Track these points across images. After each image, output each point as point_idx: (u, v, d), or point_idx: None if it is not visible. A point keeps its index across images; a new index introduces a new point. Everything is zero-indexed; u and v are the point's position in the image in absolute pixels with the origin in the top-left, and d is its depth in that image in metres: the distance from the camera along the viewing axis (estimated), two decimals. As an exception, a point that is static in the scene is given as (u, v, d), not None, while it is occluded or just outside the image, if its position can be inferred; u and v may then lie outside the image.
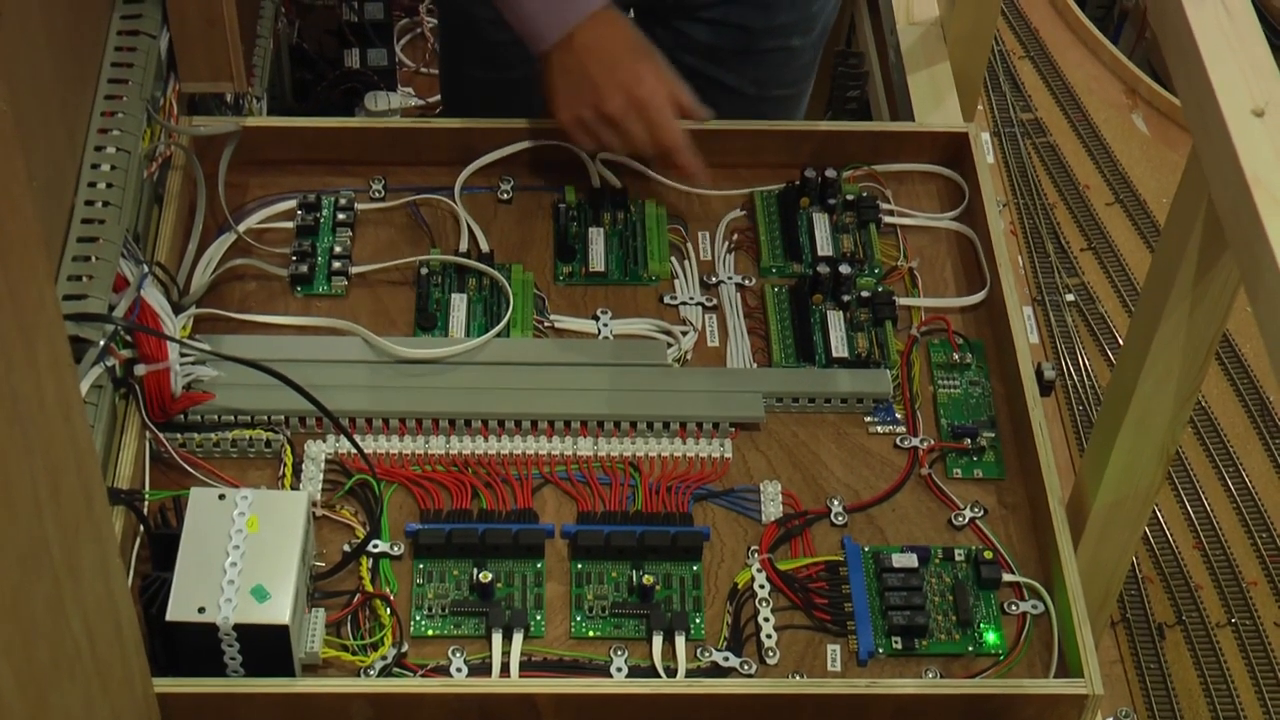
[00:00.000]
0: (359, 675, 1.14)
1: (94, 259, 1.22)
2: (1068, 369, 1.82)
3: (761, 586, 1.21)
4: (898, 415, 1.33)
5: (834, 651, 1.19)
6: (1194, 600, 1.62)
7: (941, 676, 1.18)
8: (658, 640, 1.17)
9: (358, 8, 2.12)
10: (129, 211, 1.27)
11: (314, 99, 2.08)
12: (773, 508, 1.26)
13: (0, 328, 0.67)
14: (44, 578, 0.75)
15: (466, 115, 1.50)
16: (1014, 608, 1.22)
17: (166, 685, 1.08)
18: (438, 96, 2.14)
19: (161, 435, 1.23)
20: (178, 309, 1.30)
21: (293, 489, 1.24)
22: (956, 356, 1.36)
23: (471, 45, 1.56)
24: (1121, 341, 1.85)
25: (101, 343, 1.18)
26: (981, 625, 1.20)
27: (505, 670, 1.15)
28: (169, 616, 1.07)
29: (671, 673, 1.16)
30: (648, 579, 1.19)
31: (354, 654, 1.15)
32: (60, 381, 0.77)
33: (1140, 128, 2.15)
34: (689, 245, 1.44)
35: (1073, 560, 1.21)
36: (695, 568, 1.22)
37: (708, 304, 1.40)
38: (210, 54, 1.42)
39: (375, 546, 1.20)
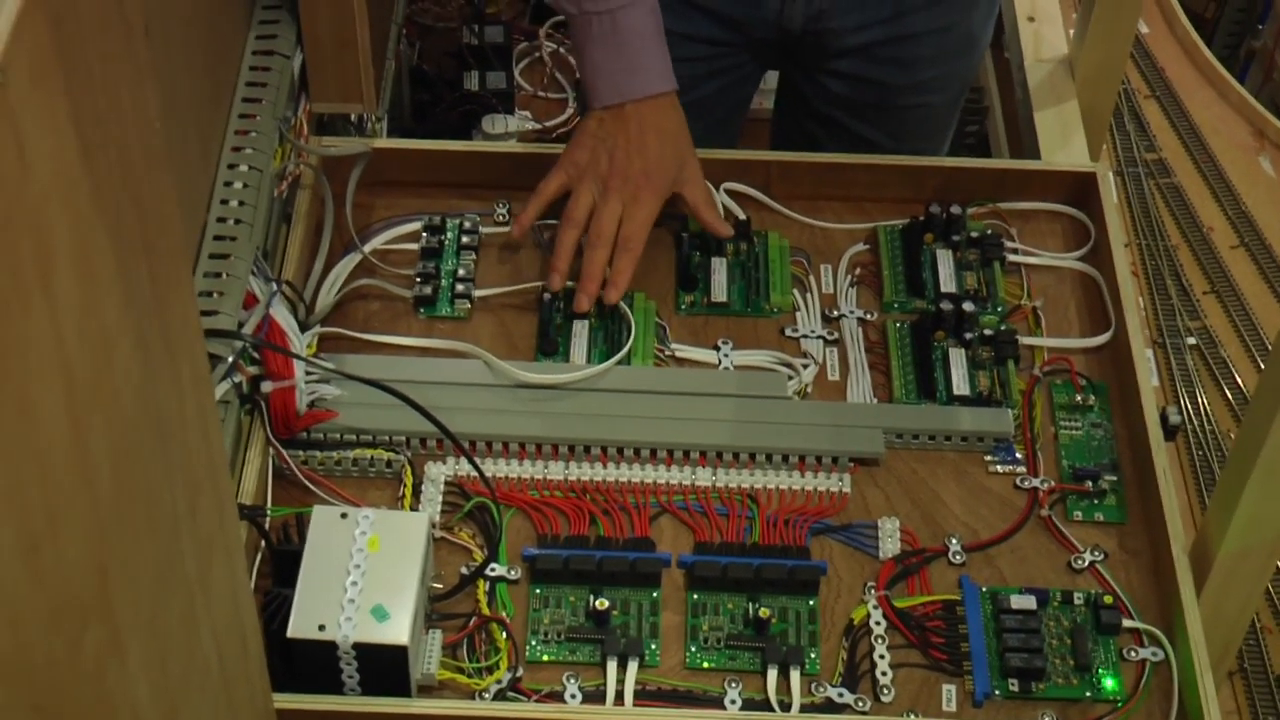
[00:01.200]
0: (474, 698, 1.14)
1: (225, 275, 1.23)
2: (1188, 412, 1.80)
3: (878, 623, 1.20)
4: (1018, 455, 1.32)
5: (949, 691, 1.18)
6: (1313, 653, 1.59)
7: (1058, 722, 1.17)
8: (772, 674, 1.17)
9: (478, 31, 2.13)
10: (259, 229, 1.29)
11: (432, 120, 2.09)
12: (890, 544, 1.25)
13: (148, 344, 0.68)
14: (179, 594, 0.76)
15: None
16: (1133, 654, 1.20)
17: (286, 701, 1.08)
18: (555, 120, 2.16)
19: (285, 452, 1.24)
20: (304, 327, 1.31)
21: (412, 510, 1.24)
22: (1079, 398, 1.35)
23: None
24: (1243, 386, 1.83)
25: (231, 359, 1.20)
26: (1100, 671, 1.19)
27: (619, 698, 1.15)
28: (290, 633, 1.08)
29: (785, 707, 1.16)
30: (764, 612, 1.19)
31: (469, 677, 1.15)
32: (200, 399, 0.78)
33: (1267, 170, 2.12)
34: (811, 278, 1.44)
35: (1195, 608, 1.19)
36: (811, 602, 1.21)
37: (829, 337, 1.39)
38: (341, 75, 1.44)
39: (493, 570, 1.21)
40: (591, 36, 1.39)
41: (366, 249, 1.42)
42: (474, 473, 1.25)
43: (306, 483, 1.24)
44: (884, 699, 1.16)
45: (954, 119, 1.74)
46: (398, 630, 1.09)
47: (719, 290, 1.42)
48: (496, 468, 1.28)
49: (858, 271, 1.45)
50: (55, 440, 0.59)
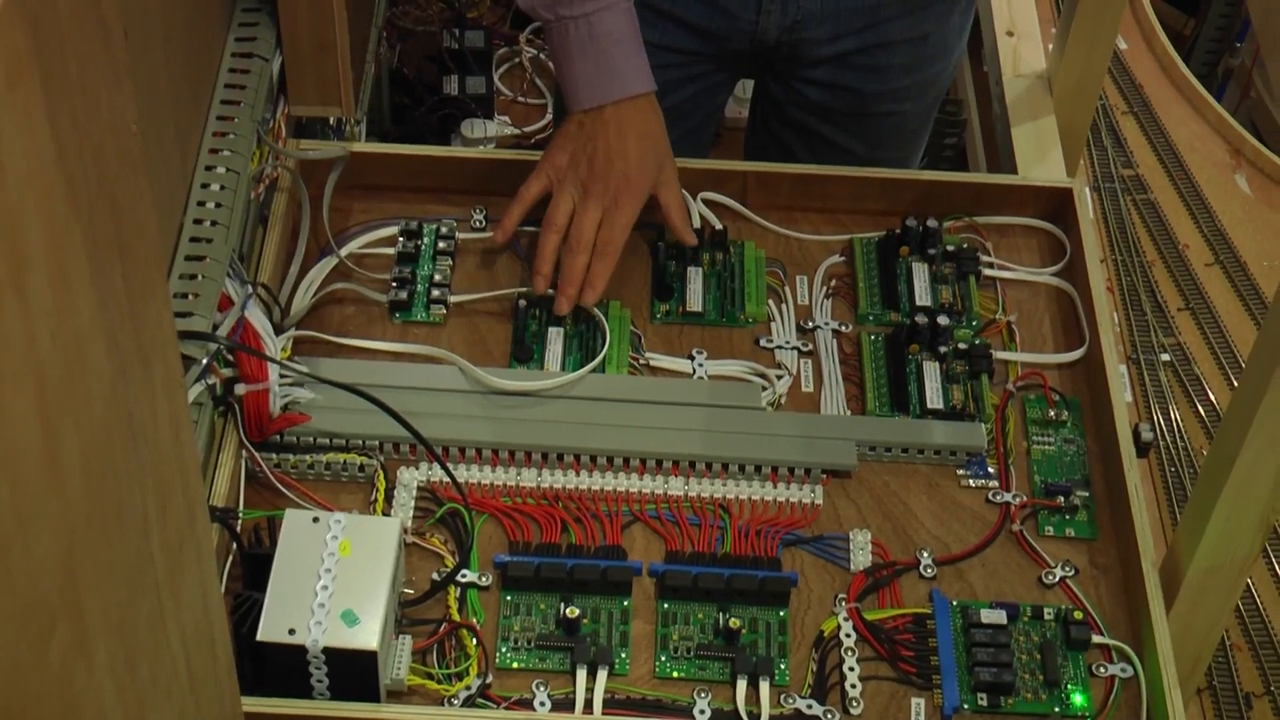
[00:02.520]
0: (443, 704, 1.14)
1: (200, 277, 1.23)
2: (1160, 429, 1.81)
3: (848, 635, 1.20)
4: (990, 470, 1.32)
5: (918, 705, 1.18)
6: (1282, 670, 1.60)
7: (1026, 736, 1.17)
8: (741, 684, 1.17)
9: (458, 35, 2.13)
10: (236, 232, 1.29)
11: (411, 124, 2.09)
12: (861, 557, 1.26)
13: (121, 345, 0.68)
14: (148, 596, 0.76)
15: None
16: (1102, 670, 1.20)
17: (254, 704, 1.08)
18: (534, 126, 2.16)
19: (258, 455, 1.24)
20: (278, 330, 1.31)
21: (384, 514, 1.24)
22: (1052, 413, 1.35)
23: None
24: (1216, 403, 1.83)
25: (204, 361, 1.19)
26: (1069, 686, 1.19)
27: (589, 707, 1.15)
28: (259, 636, 1.08)
29: (754, 718, 1.16)
30: (734, 622, 1.19)
31: (439, 683, 1.15)
32: (172, 401, 0.78)
33: (1243, 188, 2.13)
34: (786, 289, 1.44)
35: (1165, 625, 1.19)
36: (782, 613, 1.21)
37: (803, 349, 1.40)
38: (320, 78, 1.44)
39: (464, 576, 1.21)
40: (568, 41, 1.39)
41: (343, 253, 1.42)
42: (446, 478, 1.25)
43: (279, 486, 1.24)
44: (853, 711, 1.17)
45: (928, 127, 1.74)
46: (367, 635, 1.08)
47: (694, 300, 1.42)
48: (469, 474, 1.27)
49: (833, 283, 1.45)
50: (25, 441, 0.58)
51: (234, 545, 1.18)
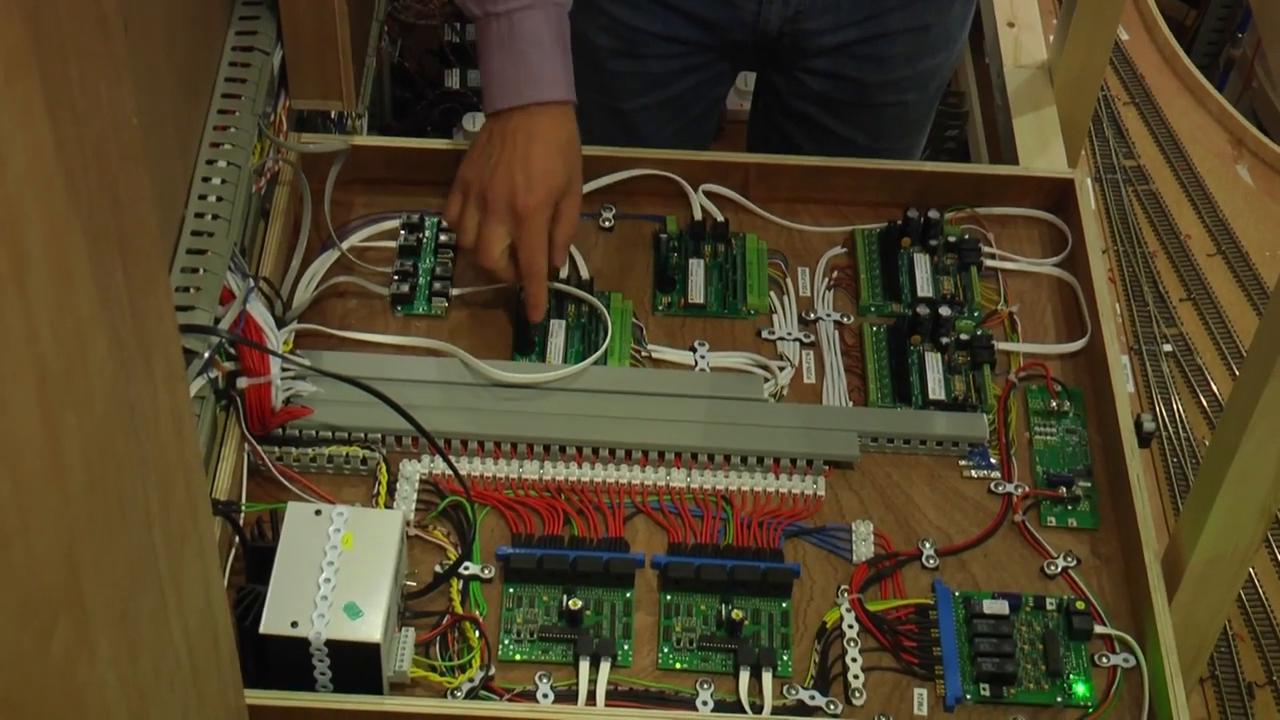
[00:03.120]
0: (446, 696, 1.14)
1: (202, 271, 1.23)
2: (1162, 419, 1.81)
3: (850, 626, 1.20)
4: (993, 460, 1.32)
5: (921, 695, 1.18)
6: (1284, 660, 1.60)
7: (1029, 726, 1.17)
8: (744, 675, 1.17)
9: (459, 28, 2.13)
10: (237, 225, 1.29)
11: (412, 118, 2.09)
12: (864, 548, 1.26)
13: (123, 339, 0.68)
14: (151, 589, 0.76)
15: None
16: (1104, 660, 1.20)
17: (257, 697, 1.08)
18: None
19: (260, 448, 1.24)
20: (280, 324, 1.31)
21: (386, 507, 1.24)
22: (1054, 404, 1.35)
23: (588, 72, 1.57)
24: (1218, 394, 1.83)
25: (206, 354, 1.20)
26: (1071, 676, 1.19)
27: (591, 698, 1.15)
28: (262, 629, 1.08)
29: (757, 709, 1.16)
30: (736, 614, 1.19)
31: (442, 675, 1.15)
32: (174, 394, 0.78)
33: (1245, 179, 2.13)
34: (788, 281, 1.44)
35: (1167, 615, 1.20)
36: (784, 604, 1.21)
37: (805, 340, 1.40)
38: (322, 72, 1.44)
39: (466, 568, 1.21)
40: (490, 39, 1.35)
41: (344, 246, 1.42)
42: (449, 471, 1.25)
43: (281, 479, 1.24)
44: (855, 702, 1.17)
45: (930, 117, 1.74)
46: (370, 627, 1.09)
47: (696, 291, 1.42)
48: (471, 466, 1.28)
49: (835, 275, 1.45)
50: (27, 435, 0.59)
51: (236, 538, 1.18)
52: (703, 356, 1.38)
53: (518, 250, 1.35)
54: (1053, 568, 1.25)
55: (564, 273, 1.41)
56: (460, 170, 1.37)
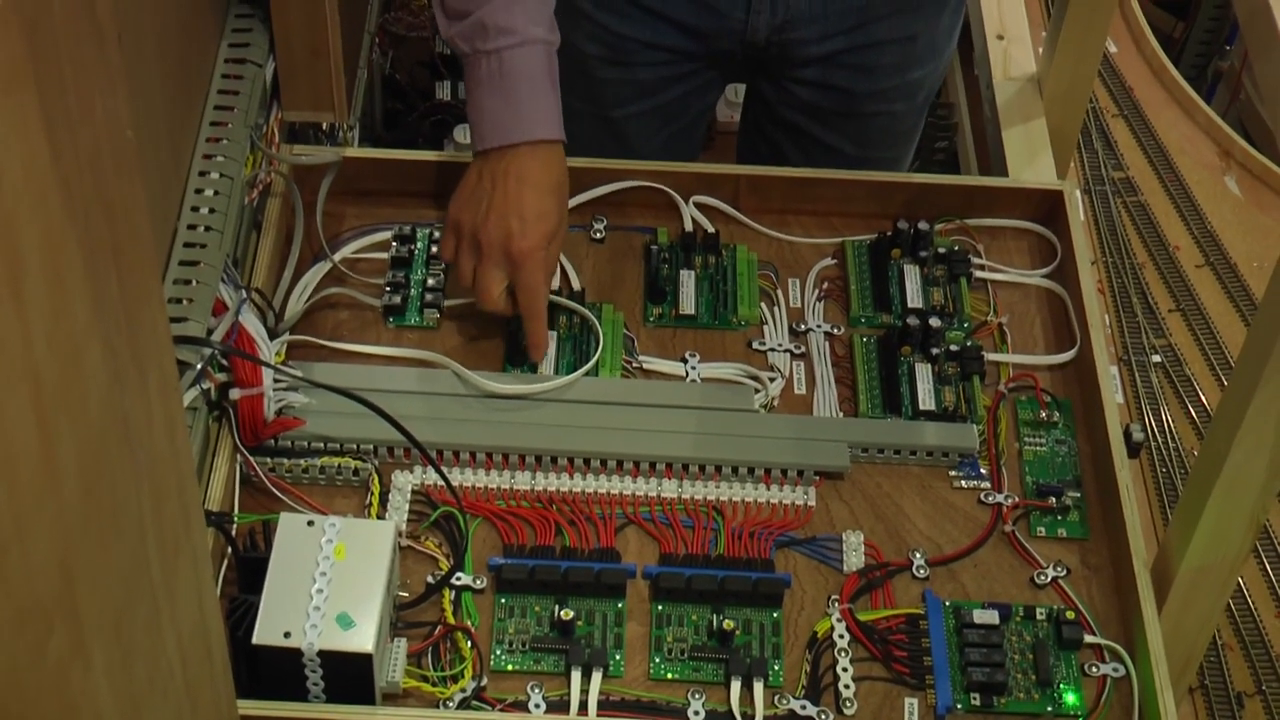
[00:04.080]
0: (438, 707, 1.14)
1: (194, 282, 1.24)
2: (1151, 430, 1.81)
3: (841, 636, 1.21)
4: (983, 471, 1.32)
5: (912, 705, 1.18)
6: (1274, 669, 1.60)
7: (1019, 736, 1.17)
8: (736, 685, 1.17)
9: (452, 41, 2.13)
10: (229, 237, 1.29)
11: (403, 129, 2.10)
12: (855, 558, 1.26)
13: (117, 350, 0.68)
14: (144, 599, 0.76)
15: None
16: (1094, 669, 1.21)
17: (250, 707, 1.08)
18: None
19: (252, 459, 1.24)
20: (273, 335, 1.32)
21: (378, 518, 1.25)
22: (1044, 414, 1.36)
23: (577, 80, 1.58)
24: (1207, 404, 1.84)
25: (199, 365, 1.20)
26: (1061, 685, 1.20)
27: (583, 709, 1.15)
28: (255, 640, 1.08)
29: (749, 719, 1.16)
30: (728, 624, 1.19)
31: (434, 685, 1.16)
32: (167, 405, 0.78)
33: (1233, 190, 2.14)
34: (779, 292, 1.45)
35: (1156, 624, 1.20)
36: (775, 614, 1.22)
37: (796, 351, 1.40)
38: (313, 84, 1.44)
39: (458, 579, 1.21)
40: (480, 77, 1.34)
41: (336, 258, 1.42)
42: (441, 482, 1.25)
43: (273, 490, 1.24)
44: (847, 711, 1.17)
45: (918, 128, 1.75)
46: (363, 638, 1.09)
47: (687, 303, 1.43)
48: (463, 477, 1.28)
49: (825, 286, 1.46)
50: (22, 444, 0.59)
51: (229, 549, 1.19)
52: (694, 367, 1.38)
53: (516, 292, 1.34)
54: (1042, 578, 1.26)
55: (555, 283, 1.42)
56: (451, 210, 1.36)
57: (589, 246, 1.47)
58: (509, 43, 1.33)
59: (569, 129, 1.37)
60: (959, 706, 1.18)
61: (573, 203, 1.44)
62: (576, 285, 1.43)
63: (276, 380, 1.27)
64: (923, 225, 1.46)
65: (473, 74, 1.35)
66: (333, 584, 1.11)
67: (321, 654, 1.08)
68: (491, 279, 1.33)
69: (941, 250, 1.47)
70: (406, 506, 1.26)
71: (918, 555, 1.26)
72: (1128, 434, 1.32)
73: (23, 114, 0.56)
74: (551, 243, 1.34)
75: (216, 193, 1.30)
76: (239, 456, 1.25)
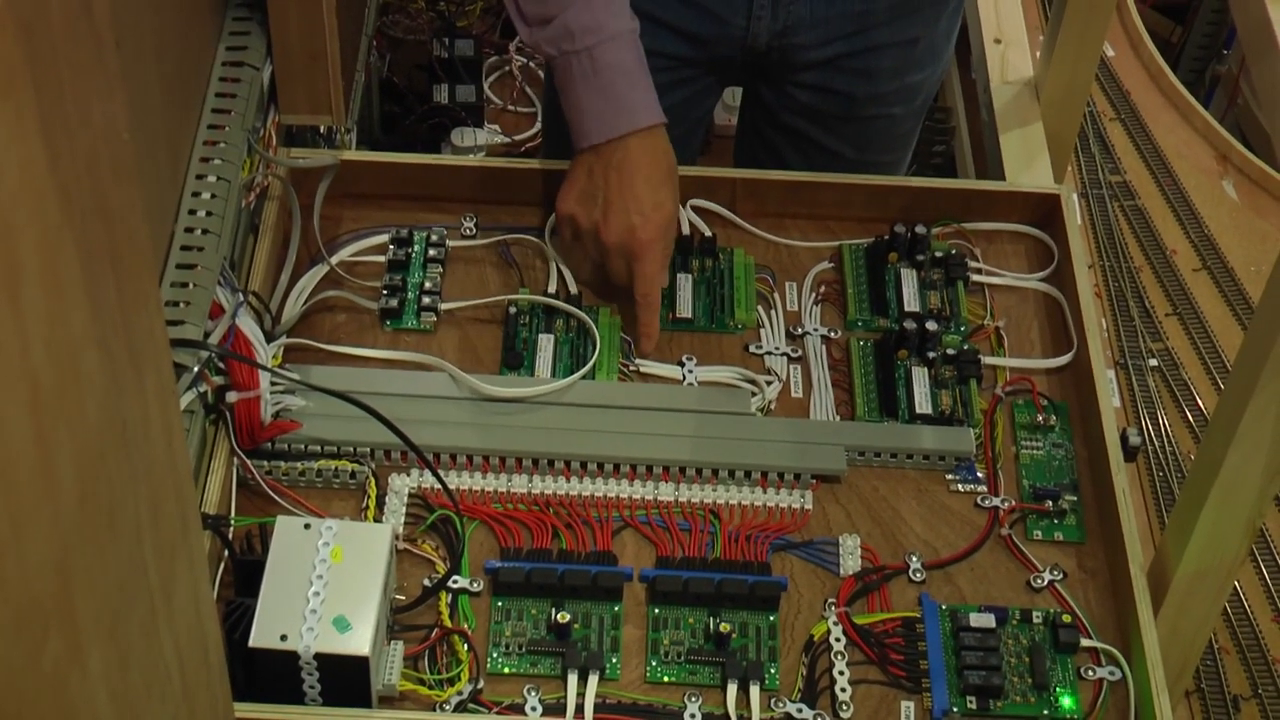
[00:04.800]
0: (435, 710, 1.15)
1: (191, 286, 1.24)
2: (1148, 433, 1.82)
3: (837, 639, 1.21)
4: (979, 474, 1.33)
5: (908, 708, 1.18)
6: (1270, 673, 1.60)
7: (1015, 739, 1.17)
8: (732, 688, 1.17)
9: (448, 44, 2.14)
10: (227, 240, 1.29)
11: (401, 133, 2.10)
12: (851, 561, 1.26)
13: (114, 353, 0.68)
14: (141, 602, 0.76)
15: (565, 146, 1.52)
16: (1091, 673, 1.21)
17: (247, 710, 1.08)
18: (524, 134, 2.17)
19: (249, 462, 1.24)
20: (269, 338, 1.32)
21: (375, 521, 1.25)
22: (1040, 418, 1.36)
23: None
24: (1204, 408, 1.84)
25: (196, 368, 1.20)
26: (1057, 689, 1.20)
27: (580, 711, 1.15)
28: (251, 643, 1.08)
29: (745, 722, 1.16)
30: (724, 627, 1.19)
31: (431, 688, 1.16)
32: (165, 408, 0.78)
33: (1230, 194, 2.14)
34: (776, 295, 1.45)
35: (1153, 628, 1.20)
36: (772, 618, 1.22)
37: (793, 355, 1.40)
38: (311, 87, 1.44)
39: (455, 582, 1.21)
40: (573, 77, 1.37)
41: (333, 260, 1.42)
42: (437, 485, 1.25)
43: (270, 493, 1.24)
44: (843, 715, 1.17)
45: (916, 131, 1.75)
46: (359, 641, 1.09)
47: (684, 306, 1.43)
48: (460, 480, 1.28)
49: (822, 289, 1.46)
50: (19, 449, 0.59)
51: (226, 552, 1.19)
52: (690, 371, 1.38)
53: (635, 281, 1.37)
54: (1039, 581, 1.26)
55: (552, 286, 1.42)
56: (561, 209, 1.39)
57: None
58: (596, 40, 1.35)
59: (566, 133, 1.38)
60: (955, 710, 1.18)
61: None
62: (573, 289, 1.43)
63: (273, 383, 1.27)
64: (920, 229, 1.46)
65: (564, 74, 1.38)
66: (329, 587, 1.11)
67: (318, 657, 1.08)
68: (618, 274, 1.38)
69: (938, 254, 1.47)
70: (403, 509, 1.26)
71: (914, 559, 1.26)
72: (1124, 438, 1.32)
73: (19, 118, 0.56)
74: (668, 230, 1.37)
75: (214, 196, 1.30)
76: (236, 459, 1.25)
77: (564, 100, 1.39)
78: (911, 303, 1.43)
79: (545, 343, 1.38)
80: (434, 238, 1.45)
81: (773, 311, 1.44)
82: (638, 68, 1.38)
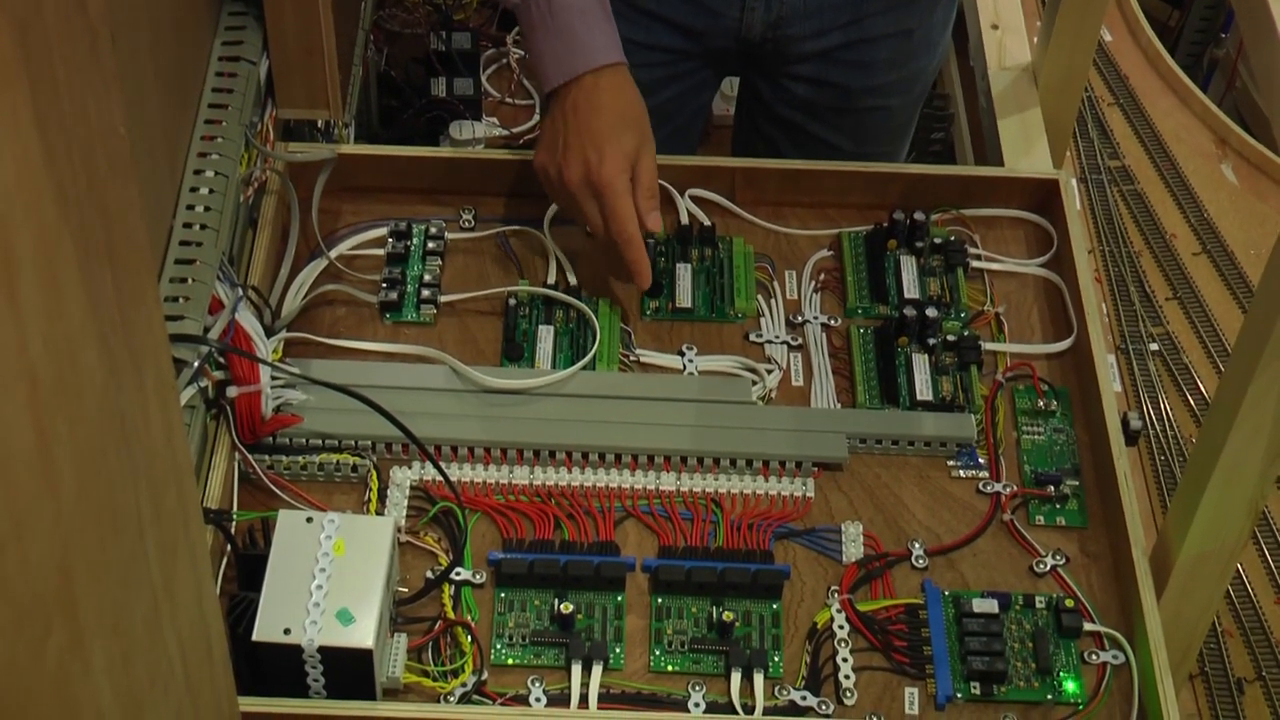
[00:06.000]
0: (439, 701, 1.15)
1: (190, 281, 1.24)
2: (1149, 418, 1.81)
3: (841, 627, 1.21)
4: (981, 460, 1.33)
5: (912, 694, 1.18)
6: (1274, 655, 1.60)
7: (1020, 724, 1.18)
8: (736, 677, 1.18)
9: (445, 37, 2.13)
10: (225, 235, 1.29)
11: (399, 126, 2.09)
12: (854, 548, 1.26)
13: (113, 349, 0.68)
14: (144, 597, 0.76)
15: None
16: (1094, 657, 1.21)
17: (251, 704, 1.09)
18: (521, 126, 2.16)
19: (250, 456, 1.24)
20: (269, 332, 1.32)
21: (377, 514, 1.25)
22: (1041, 403, 1.36)
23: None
24: (1205, 392, 1.84)
25: (196, 363, 1.20)
26: (1061, 674, 1.20)
27: (584, 702, 1.16)
28: (255, 637, 1.08)
29: (749, 710, 1.16)
30: (727, 615, 1.19)
31: (434, 680, 1.16)
32: (164, 404, 0.78)
33: (1229, 178, 2.14)
34: (775, 284, 1.45)
35: (1155, 612, 1.20)
36: (775, 606, 1.22)
37: (793, 343, 1.40)
38: (308, 81, 1.44)
39: (458, 574, 1.21)
40: (533, 23, 1.37)
41: (332, 254, 1.42)
42: (439, 477, 1.25)
43: (272, 487, 1.24)
44: (847, 701, 1.17)
45: (913, 122, 1.75)
46: (363, 634, 1.09)
47: (684, 296, 1.43)
48: (462, 472, 1.28)
49: (822, 277, 1.46)
50: (19, 445, 0.59)
51: (228, 546, 1.19)
52: (691, 360, 1.38)
53: (608, 222, 1.35)
54: (1041, 566, 1.26)
55: (552, 278, 1.42)
56: (535, 160, 1.39)
57: (585, 240, 1.47)
58: None
59: None
60: (959, 696, 1.18)
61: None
62: (573, 280, 1.43)
63: (274, 377, 1.27)
64: (919, 216, 1.46)
65: (525, 22, 1.38)
66: (332, 580, 1.11)
67: (322, 650, 1.09)
68: (591, 214, 1.35)
69: (938, 240, 1.47)
70: (405, 502, 1.26)
71: (917, 545, 1.26)
72: (1125, 422, 1.32)
73: (15, 114, 0.56)
74: (636, 165, 1.35)
75: (212, 191, 1.30)
76: (237, 454, 1.25)
77: (527, 48, 1.40)
78: (911, 289, 1.43)
79: (545, 334, 1.38)
80: (433, 230, 1.45)
81: (773, 300, 1.43)
82: (594, 7, 1.37)
